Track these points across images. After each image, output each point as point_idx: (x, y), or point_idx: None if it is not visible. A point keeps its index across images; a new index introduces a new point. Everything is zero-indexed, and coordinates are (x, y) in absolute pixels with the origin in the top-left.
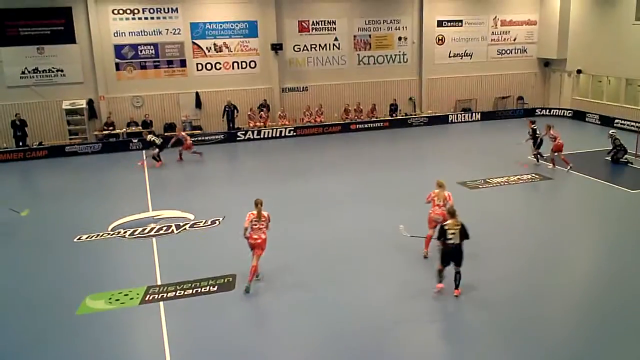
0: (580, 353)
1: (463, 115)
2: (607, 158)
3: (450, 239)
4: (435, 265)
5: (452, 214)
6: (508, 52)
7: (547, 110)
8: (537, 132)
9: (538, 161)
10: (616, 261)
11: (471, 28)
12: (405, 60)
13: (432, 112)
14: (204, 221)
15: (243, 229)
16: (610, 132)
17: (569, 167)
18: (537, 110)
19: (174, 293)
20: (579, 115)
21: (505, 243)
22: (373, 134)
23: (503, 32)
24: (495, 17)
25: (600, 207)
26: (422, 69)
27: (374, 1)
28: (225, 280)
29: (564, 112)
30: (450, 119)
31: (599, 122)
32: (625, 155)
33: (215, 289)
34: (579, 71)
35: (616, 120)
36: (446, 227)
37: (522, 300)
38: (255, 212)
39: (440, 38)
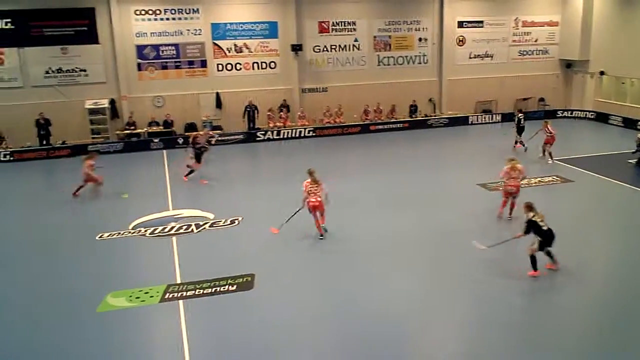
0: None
1: (483, 116)
2: (630, 161)
3: (543, 226)
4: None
5: (530, 207)
6: (529, 53)
7: (569, 112)
8: (522, 122)
9: (515, 146)
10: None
11: (492, 29)
12: (425, 61)
13: (452, 113)
14: (223, 220)
15: (302, 197)
16: (639, 135)
17: (552, 160)
18: (558, 112)
19: (193, 292)
20: (601, 117)
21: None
22: (393, 134)
23: (524, 33)
24: (517, 18)
25: (623, 209)
26: (442, 70)
27: (393, 2)
28: (245, 280)
29: (586, 114)
30: (470, 120)
31: (623, 125)
32: None
33: (234, 288)
34: (601, 72)
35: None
36: (535, 219)
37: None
38: (310, 180)
39: (460, 39)
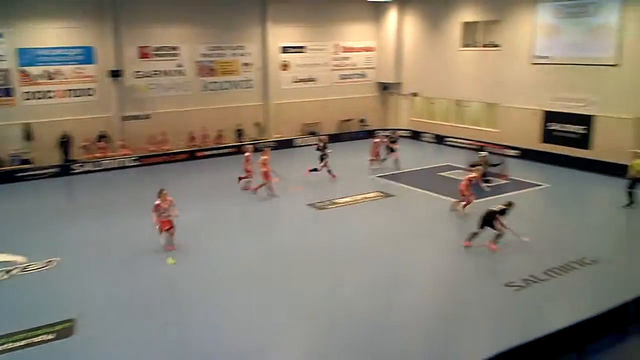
0: None
1: (309, 138)
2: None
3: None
4: None
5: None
6: (349, 77)
7: (388, 131)
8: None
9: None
10: (453, 267)
11: (314, 54)
12: (251, 85)
13: (279, 136)
14: (36, 263)
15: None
16: (481, 154)
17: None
18: (378, 132)
19: (3, 346)
20: (416, 135)
21: (357, 258)
22: (221, 160)
23: (344, 58)
24: (336, 43)
25: (439, 217)
26: (268, 94)
27: (216, 27)
28: (64, 326)
29: (402, 133)
30: (297, 142)
31: (435, 141)
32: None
33: (52, 337)
34: (414, 94)
35: (448, 139)
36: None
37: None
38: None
39: (284, 64)
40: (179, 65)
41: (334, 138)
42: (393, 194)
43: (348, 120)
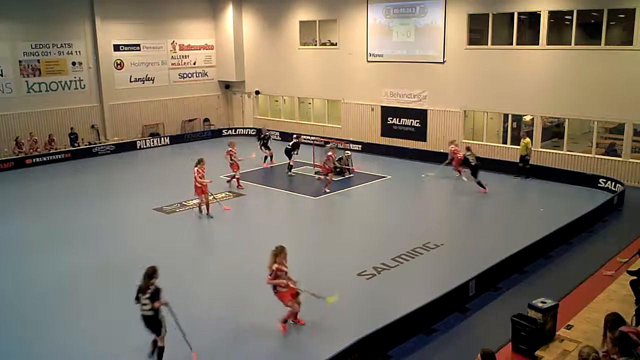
0: None
1: (152, 140)
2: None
3: (472, 162)
4: None
5: (467, 149)
6: (189, 75)
7: (233, 130)
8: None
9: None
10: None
11: (150, 52)
12: (82, 86)
13: (118, 139)
14: None
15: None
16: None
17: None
18: (223, 131)
19: None
20: (261, 133)
21: (209, 260)
22: (54, 167)
23: (182, 57)
24: (173, 41)
25: (289, 214)
26: (103, 95)
27: (40, 23)
28: None
29: (248, 131)
30: (138, 145)
31: (280, 139)
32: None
33: None
34: (257, 92)
35: (295, 135)
36: (468, 157)
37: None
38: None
39: (118, 62)
40: None
41: (178, 139)
42: (243, 193)
43: (191, 120)
